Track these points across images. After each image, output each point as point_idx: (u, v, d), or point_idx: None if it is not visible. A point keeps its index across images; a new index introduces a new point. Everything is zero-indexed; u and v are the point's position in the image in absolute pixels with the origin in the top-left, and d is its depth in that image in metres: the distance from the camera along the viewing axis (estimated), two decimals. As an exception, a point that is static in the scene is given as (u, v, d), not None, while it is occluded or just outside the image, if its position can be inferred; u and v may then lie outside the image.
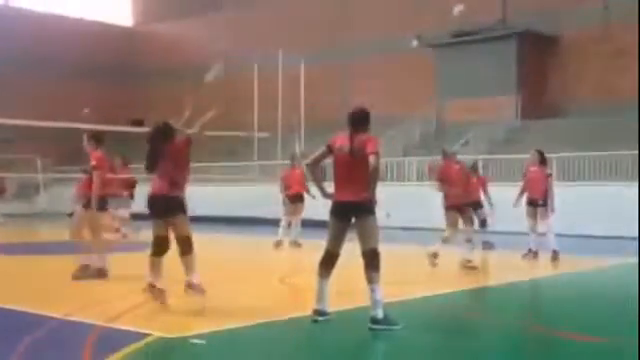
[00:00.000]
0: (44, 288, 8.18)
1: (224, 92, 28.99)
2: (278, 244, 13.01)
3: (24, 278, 8.79)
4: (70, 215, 22.02)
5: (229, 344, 5.40)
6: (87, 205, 8.52)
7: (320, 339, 5.70)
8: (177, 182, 6.65)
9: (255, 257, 12.43)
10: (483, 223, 12.22)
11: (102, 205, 8.61)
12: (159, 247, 6.67)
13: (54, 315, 6.25)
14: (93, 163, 8.46)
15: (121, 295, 7.29)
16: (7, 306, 6.87)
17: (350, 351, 5.39)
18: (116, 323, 5.92)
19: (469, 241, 9.74)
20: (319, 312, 5.99)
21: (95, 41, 31.85)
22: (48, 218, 22.21)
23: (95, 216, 8.52)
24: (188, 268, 6.65)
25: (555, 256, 10.76)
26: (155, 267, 6.66)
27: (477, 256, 10.39)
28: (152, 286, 6.63)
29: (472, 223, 10.21)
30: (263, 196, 18.91)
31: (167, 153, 6.64)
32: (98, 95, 31.09)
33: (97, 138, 8.73)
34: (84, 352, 5.01)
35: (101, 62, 31.76)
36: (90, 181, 8.48)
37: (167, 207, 6.60)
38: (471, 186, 11.11)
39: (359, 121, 6.00)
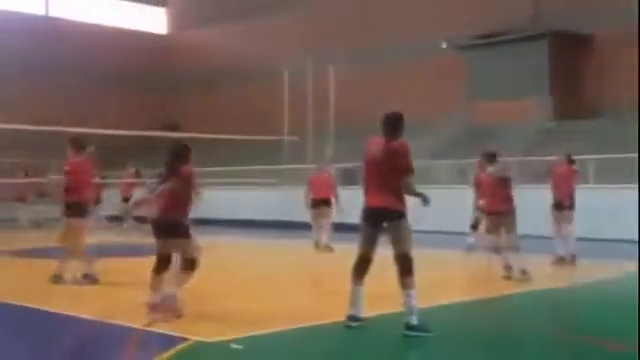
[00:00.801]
0: (81, 291, 8.36)
1: (255, 96, 29.26)
2: (317, 246, 13.07)
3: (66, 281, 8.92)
4: (112, 219, 22.39)
5: (265, 349, 5.48)
6: (65, 211, 8.54)
7: (354, 345, 5.74)
8: (182, 205, 6.66)
9: (287, 261, 12.51)
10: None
11: (76, 211, 8.51)
12: (160, 264, 6.68)
13: (94, 318, 6.40)
14: (66, 168, 8.51)
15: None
16: (47, 308, 7.07)
17: (384, 357, 5.43)
18: (154, 326, 6.04)
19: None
20: (353, 318, 6.03)
21: (131, 49, 32.36)
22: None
23: (71, 222, 8.53)
24: (179, 283, 6.59)
25: (573, 260, 10.49)
26: (155, 284, 6.63)
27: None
28: (152, 306, 6.56)
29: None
30: (293, 200, 19.01)
31: (179, 174, 6.67)
32: (133, 102, 31.57)
33: (78, 143, 8.70)
34: (124, 356, 5.14)
35: (136, 69, 32.24)
36: (67, 187, 8.49)
37: (173, 231, 6.60)
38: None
39: (393, 125, 6.01)
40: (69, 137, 8.86)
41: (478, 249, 11.16)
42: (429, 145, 22.48)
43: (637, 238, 12.72)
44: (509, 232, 9.17)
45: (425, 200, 5.97)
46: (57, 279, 8.51)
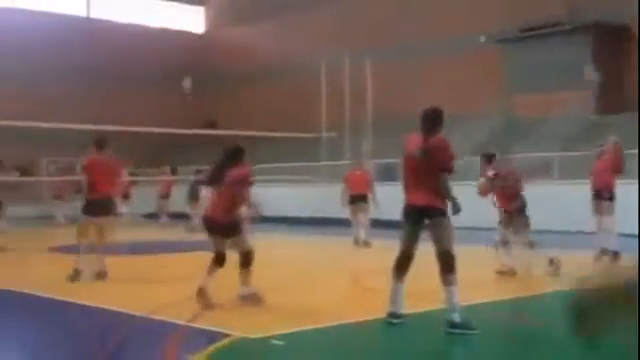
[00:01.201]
0: (125, 287, 8.52)
1: (293, 93, 29.36)
2: (356, 242, 13.13)
3: (110, 278, 9.05)
4: (147, 216, 22.78)
5: (306, 345, 5.52)
6: (84, 208, 8.80)
7: (396, 342, 5.73)
8: (232, 205, 6.90)
9: (326, 258, 12.54)
10: None
11: (89, 209, 8.72)
12: (219, 261, 6.98)
13: (138, 313, 6.53)
14: (83, 164, 8.87)
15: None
16: (93, 304, 7.23)
17: (427, 355, 5.41)
18: (197, 322, 6.13)
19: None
20: (394, 315, 6.02)
21: (169, 48, 32.78)
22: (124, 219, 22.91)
23: (86, 219, 8.78)
24: (246, 280, 6.95)
25: (615, 258, 10.16)
26: (211, 271, 6.93)
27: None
28: (202, 290, 6.83)
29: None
30: (331, 197, 19.04)
31: (230, 175, 6.89)
32: (172, 100, 31.97)
33: (96, 143, 8.93)
34: (168, 351, 5.23)
35: (175, 68, 32.64)
36: (87, 184, 8.77)
37: (224, 232, 6.91)
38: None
39: (431, 121, 5.98)
40: (94, 136, 9.15)
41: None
42: (467, 140, 22.27)
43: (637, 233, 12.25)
44: (517, 230, 9.10)
45: (455, 207, 5.95)
46: (75, 274, 8.65)
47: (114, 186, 8.94)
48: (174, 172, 20.00)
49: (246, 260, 6.93)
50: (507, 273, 9.00)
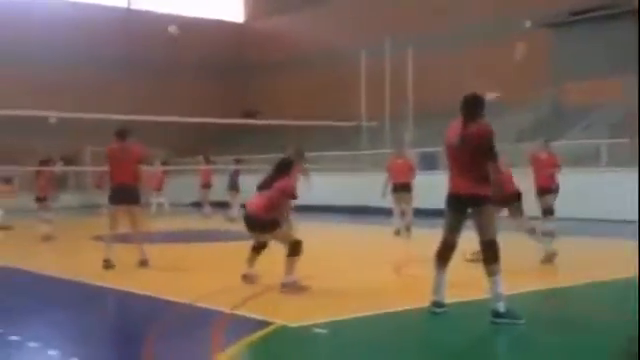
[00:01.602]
0: (168, 275, 8.61)
1: (333, 82, 29.27)
2: (397, 232, 13.08)
3: (153, 266, 9.10)
4: (190, 205, 23.06)
5: (349, 334, 5.49)
6: (108, 197, 9.08)
7: (439, 331, 5.67)
8: (272, 208, 7.26)
9: (367, 247, 12.49)
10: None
11: (111, 198, 8.99)
12: (259, 247, 7.52)
13: (182, 301, 6.58)
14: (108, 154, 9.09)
15: (239, 284, 7.49)
16: (137, 292, 7.32)
17: (471, 345, 5.33)
18: (240, 310, 6.15)
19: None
20: (437, 303, 5.95)
21: (210, 38, 33.02)
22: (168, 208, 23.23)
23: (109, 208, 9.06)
24: (290, 269, 7.12)
25: None
26: (252, 258, 7.48)
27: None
28: (245, 275, 7.43)
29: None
30: (372, 185, 18.94)
31: (276, 186, 7.31)
32: (213, 90, 32.21)
33: (117, 133, 9.11)
34: (212, 338, 5.25)
35: (216, 58, 32.86)
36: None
37: (262, 228, 7.29)
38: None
39: (472, 107, 5.85)
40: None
41: (550, 235, 10.95)
42: (514, 128, 21.91)
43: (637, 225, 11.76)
44: (514, 216, 8.95)
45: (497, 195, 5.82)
46: (105, 264, 8.77)
47: (132, 175, 8.98)
48: (208, 161, 20.12)
49: (293, 250, 7.11)
50: (475, 260, 8.77)
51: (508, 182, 8.92)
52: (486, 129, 5.78)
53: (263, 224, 7.24)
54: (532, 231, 8.99)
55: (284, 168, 7.43)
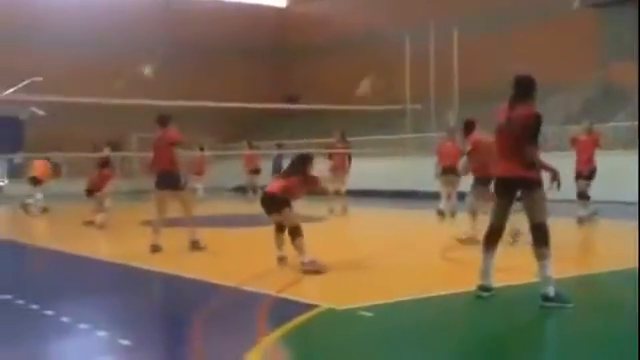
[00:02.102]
0: (215, 259, 8.72)
1: (377, 65, 29.07)
2: (440, 213, 13.03)
3: (203, 248, 9.26)
4: (236, 189, 23.27)
5: (395, 317, 5.48)
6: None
7: (486, 315, 5.63)
8: (287, 187, 7.57)
9: (413, 230, 12.45)
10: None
11: (155, 183, 9.21)
12: (279, 229, 7.75)
13: (228, 284, 6.67)
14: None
15: (282, 267, 7.57)
16: (185, 275, 7.44)
17: (519, 328, 5.28)
18: (285, 293, 6.20)
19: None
20: (484, 287, 5.90)
21: (253, 23, 33.12)
22: (213, 193, 23.51)
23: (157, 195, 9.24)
24: (300, 250, 7.32)
25: None
26: (278, 240, 7.72)
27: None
28: (279, 258, 7.70)
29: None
30: (416, 169, 18.83)
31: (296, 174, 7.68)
32: (255, 75, 32.34)
33: (158, 120, 9.31)
34: (258, 321, 5.31)
35: (258, 43, 32.96)
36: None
37: (272, 205, 7.56)
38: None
39: (522, 89, 5.77)
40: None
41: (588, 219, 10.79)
42: (562, 110, 21.46)
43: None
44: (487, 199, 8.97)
45: (556, 180, 5.72)
46: (152, 249, 8.95)
47: (169, 161, 9.11)
48: (251, 147, 20.24)
49: (293, 233, 7.36)
50: (466, 241, 9.13)
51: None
52: (533, 112, 5.69)
53: (274, 200, 7.52)
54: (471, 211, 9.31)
55: (303, 163, 7.77)
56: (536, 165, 5.66)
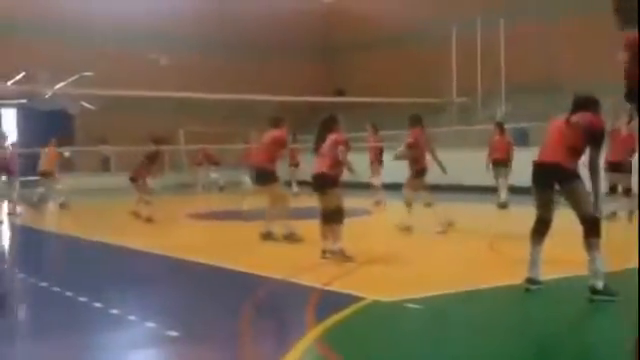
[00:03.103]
0: (262, 252, 8.81)
1: (422, 58, 28.84)
2: (501, 206, 13.21)
3: (247, 243, 9.40)
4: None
5: (443, 310, 5.47)
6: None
7: (534, 308, 5.58)
8: (332, 163, 7.62)
9: (463, 222, 12.33)
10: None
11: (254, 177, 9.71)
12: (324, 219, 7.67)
13: (276, 276, 6.73)
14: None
15: (329, 260, 7.59)
16: (233, 267, 7.54)
17: (567, 321, 5.21)
18: (332, 286, 6.24)
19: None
20: (532, 280, 5.85)
21: (296, 19, 33.19)
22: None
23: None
24: (335, 236, 7.41)
25: None
26: (323, 234, 7.67)
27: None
28: (323, 251, 7.59)
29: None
30: (463, 162, 18.61)
31: (328, 138, 7.75)
32: (303, 70, 32.41)
33: (270, 121, 9.76)
34: (306, 313, 5.35)
35: (304, 38, 32.99)
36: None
37: (322, 183, 7.66)
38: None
39: (582, 109, 5.76)
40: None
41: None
42: (605, 105, 20.88)
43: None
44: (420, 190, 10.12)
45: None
46: (264, 235, 9.38)
47: (267, 158, 9.43)
48: (295, 140, 20.20)
49: (334, 215, 7.42)
50: (405, 230, 9.59)
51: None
52: (601, 121, 5.74)
53: (325, 179, 7.59)
54: (429, 204, 9.99)
55: (329, 124, 7.83)
56: (595, 174, 5.58)
